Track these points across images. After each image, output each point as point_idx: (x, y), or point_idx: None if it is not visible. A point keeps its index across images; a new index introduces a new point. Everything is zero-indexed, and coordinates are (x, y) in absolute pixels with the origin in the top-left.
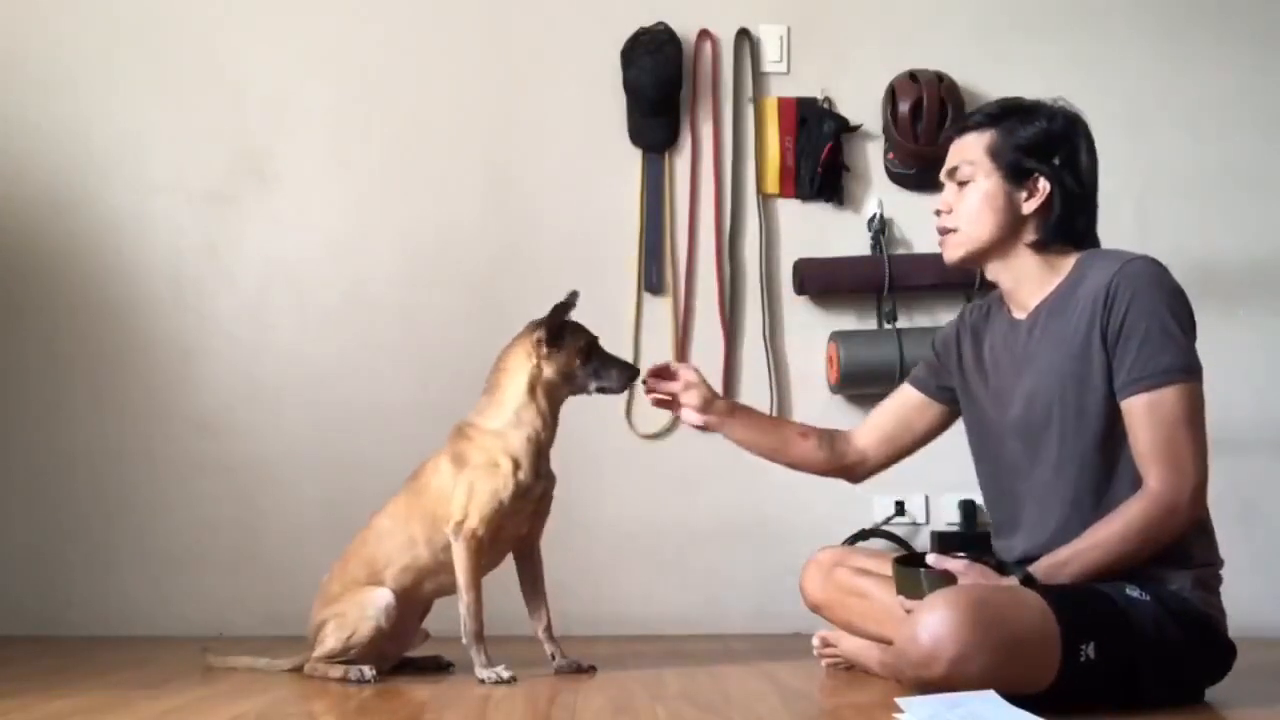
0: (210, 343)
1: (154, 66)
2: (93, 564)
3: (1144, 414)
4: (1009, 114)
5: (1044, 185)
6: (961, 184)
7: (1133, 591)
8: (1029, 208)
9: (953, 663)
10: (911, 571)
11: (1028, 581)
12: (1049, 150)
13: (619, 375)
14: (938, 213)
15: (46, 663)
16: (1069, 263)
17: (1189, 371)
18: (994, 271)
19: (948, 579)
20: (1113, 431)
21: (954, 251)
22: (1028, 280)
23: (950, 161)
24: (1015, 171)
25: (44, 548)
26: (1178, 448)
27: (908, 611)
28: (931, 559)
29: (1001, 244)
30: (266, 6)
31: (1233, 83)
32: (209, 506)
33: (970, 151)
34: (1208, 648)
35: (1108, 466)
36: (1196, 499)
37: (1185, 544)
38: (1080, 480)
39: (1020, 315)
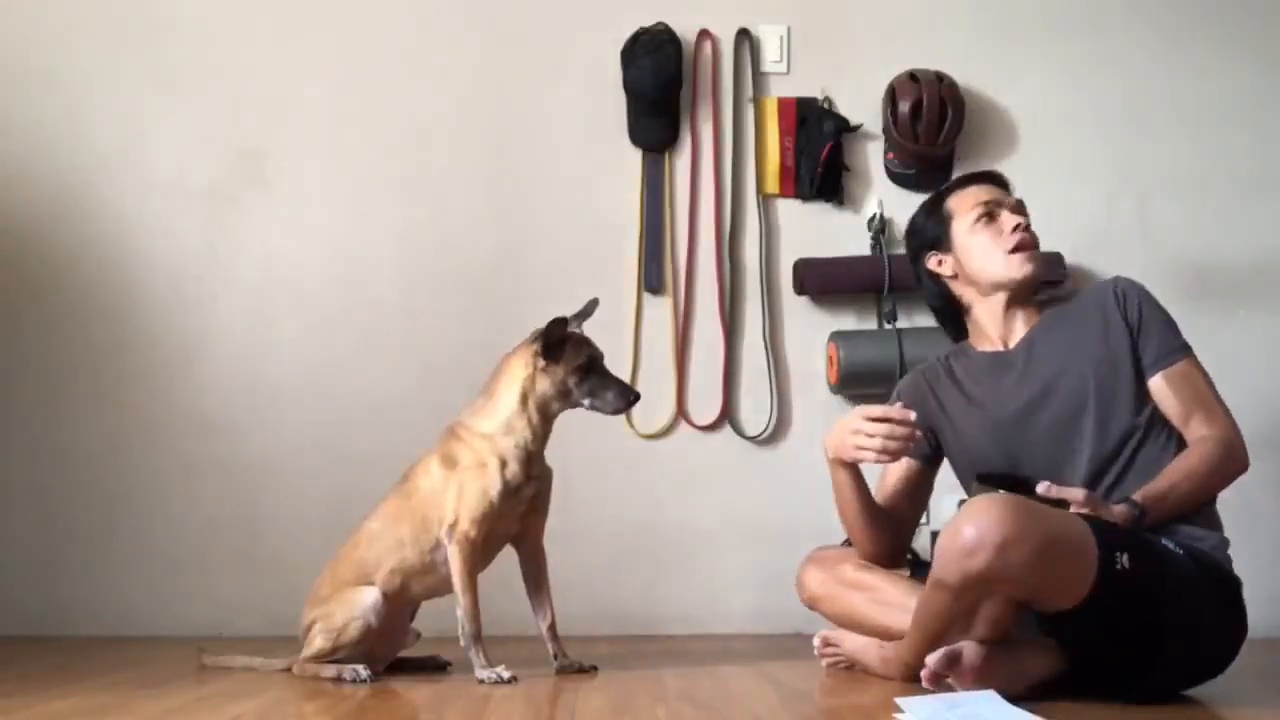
0: (211, 342)
1: (154, 66)
2: (93, 564)
3: (1177, 382)
4: None
5: None
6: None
7: (1167, 542)
8: None
9: (997, 550)
10: (992, 492)
11: (1138, 515)
12: None
13: (615, 398)
14: (1016, 227)
15: (46, 663)
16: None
17: (1191, 349)
18: (1021, 298)
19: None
20: (1137, 420)
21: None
22: (1025, 318)
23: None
24: None
25: (44, 548)
26: (1211, 402)
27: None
28: (1041, 488)
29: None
30: (266, 6)
31: (1233, 83)
32: (209, 506)
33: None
34: (1227, 606)
35: (1129, 455)
36: (1242, 443)
37: (1213, 508)
38: (1108, 465)
39: (1001, 347)
